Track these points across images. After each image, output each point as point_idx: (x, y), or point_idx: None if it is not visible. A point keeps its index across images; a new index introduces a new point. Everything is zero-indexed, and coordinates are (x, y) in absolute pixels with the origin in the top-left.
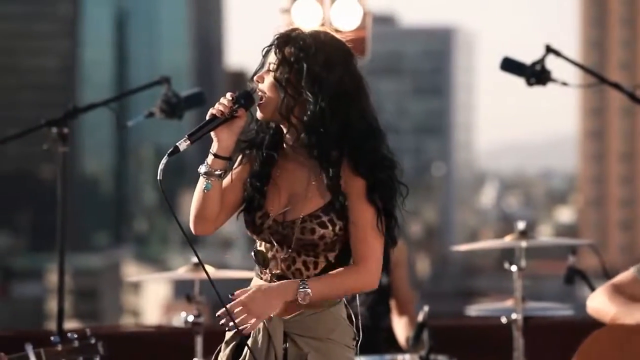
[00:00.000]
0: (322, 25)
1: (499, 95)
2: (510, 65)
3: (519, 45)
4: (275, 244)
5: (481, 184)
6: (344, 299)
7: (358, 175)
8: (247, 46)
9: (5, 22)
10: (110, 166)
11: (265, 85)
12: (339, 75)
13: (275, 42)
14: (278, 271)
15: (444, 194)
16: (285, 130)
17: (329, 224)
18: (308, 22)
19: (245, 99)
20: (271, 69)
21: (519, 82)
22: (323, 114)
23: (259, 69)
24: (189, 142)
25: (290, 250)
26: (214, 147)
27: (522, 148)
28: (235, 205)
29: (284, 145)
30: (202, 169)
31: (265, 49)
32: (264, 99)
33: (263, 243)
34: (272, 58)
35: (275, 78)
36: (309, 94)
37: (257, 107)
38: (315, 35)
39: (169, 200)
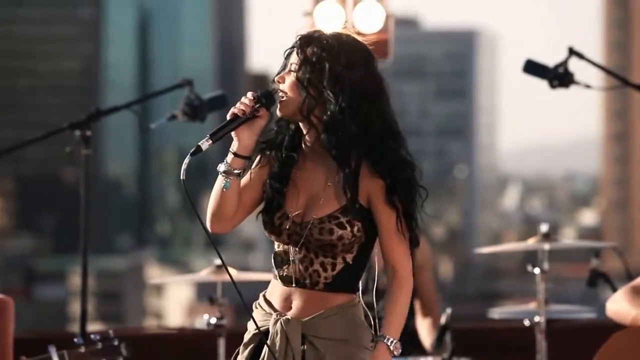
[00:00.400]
0: (345, 27)
1: (522, 97)
2: (533, 68)
3: (542, 47)
4: (294, 245)
5: (504, 187)
6: (361, 299)
7: (377, 176)
8: (269, 48)
9: (28, 24)
10: (133, 168)
11: (286, 85)
12: (360, 76)
13: (298, 43)
14: (296, 272)
15: (467, 196)
16: (305, 131)
17: (347, 225)
18: (330, 24)
19: (267, 98)
20: (293, 69)
21: (542, 84)
22: (343, 114)
23: (281, 69)
24: (210, 141)
25: (308, 251)
26: (234, 146)
27: (545, 150)
28: (253, 205)
29: (304, 145)
30: (222, 167)
31: (287, 50)
32: (284, 98)
33: (281, 245)
34: (294, 58)
35: (296, 78)
36: (330, 94)
37: (278, 107)
38: (336, 36)
39: (192, 199)
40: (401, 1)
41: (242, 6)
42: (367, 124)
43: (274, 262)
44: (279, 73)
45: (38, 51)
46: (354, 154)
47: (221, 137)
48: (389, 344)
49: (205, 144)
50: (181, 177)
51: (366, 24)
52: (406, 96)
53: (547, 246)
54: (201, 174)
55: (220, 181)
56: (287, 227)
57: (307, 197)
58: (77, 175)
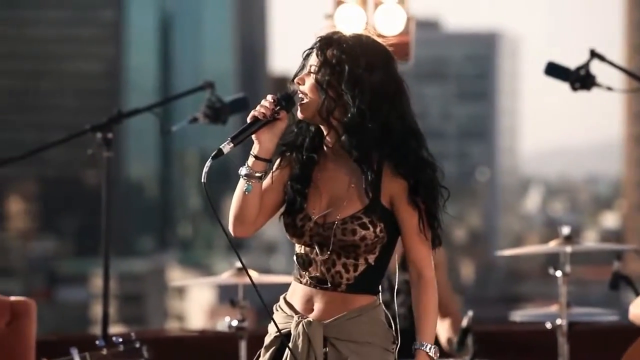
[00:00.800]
0: (366, 30)
1: (544, 99)
2: (554, 70)
3: (564, 49)
4: (316, 247)
5: (526, 189)
6: (381, 301)
7: (399, 176)
8: (291, 51)
9: (50, 27)
10: (154, 171)
11: (306, 87)
12: (380, 78)
13: (317, 45)
14: (318, 274)
15: (489, 199)
16: (325, 132)
17: (370, 226)
18: (351, 27)
19: (287, 101)
20: (312, 71)
21: (563, 86)
22: (364, 116)
23: (300, 71)
24: (232, 144)
25: (330, 252)
26: (254, 149)
27: (567, 153)
28: (274, 207)
29: (325, 147)
30: (243, 170)
31: (306, 52)
32: (305, 100)
33: (303, 246)
34: (314, 60)
35: (316, 80)
36: (350, 96)
37: (298, 108)
38: (356, 38)
39: (213, 203)
40: (422, 3)
41: (263, 9)
42: (387, 125)
43: (297, 263)
44: (297, 74)
45: (60, 53)
46: (376, 156)
47: (242, 140)
48: (428, 350)
49: (226, 147)
50: (202, 181)
51: (387, 26)
52: (427, 99)
53: (569, 249)
54: (223, 177)
55: (241, 185)
56: (310, 228)
57: (330, 198)
58: (99, 177)
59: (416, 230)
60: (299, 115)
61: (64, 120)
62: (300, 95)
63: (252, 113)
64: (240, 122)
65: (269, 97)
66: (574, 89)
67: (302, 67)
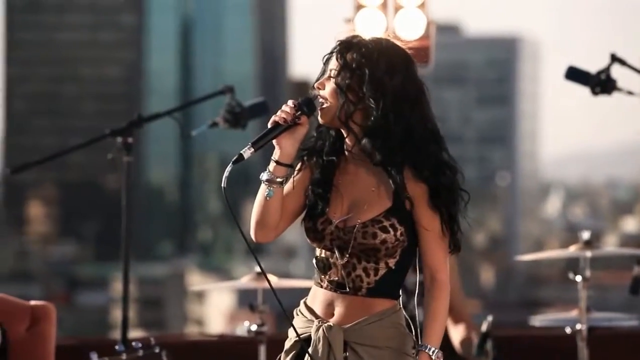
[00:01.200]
0: (386, 34)
1: (564, 104)
2: (575, 74)
3: (584, 53)
4: (336, 250)
5: (546, 194)
6: (401, 305)
7: (420, 180)
8: (311, 56)
9: (70, 31)
10: (174, 175)
11: (326, 91)
12: (401, 81)
13: (337, 49)
14: (338, 278)
15: (509, 203)
16: (345, 136)
17: (390, 229)
18: (372, 31)
19: (308, 106)
20: (332, 75)
21: (584, 91)
22: (385, 119)
23: (321, 76)
24: (252, 149)
25: (350, 256)
26: (276, 154)
27: (587, 157)
28: (296, 212)
29: (346, 151)
30: (264, 176)
31: (326, 56)
32: (325, 104)
33: (323, 250)
34: (334, 64)
35: (336, 84)
36: (371, 100)
37: (319, 113)
38: (376, 41)
39: (232, 208)
40: (442, 8)
41: (284, 13)
42: (409, 128)
43: (317, 267)
44: (318, 79)
45: (80, 58)
46: (397, 159)
47: (263, 145)
48: (431, 353)
49: (247, 152)
50: (222, 185)
51: (407, 30)
52: (447, 103)
53: (589, 253)
54: (243, 182)
55: (263, 190)
56: (330, 232)
57: (350, 201)
58: (119, 182)
59: (435, 233)
60: (320, 119)
61: (84, 125)
62: (321, 100)
63: (273, 118)
64: (260, 126)
65: (290, 102)
66: (595, 93)
67: (323, 72)
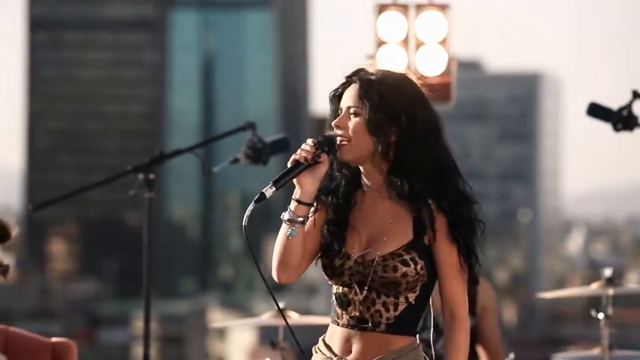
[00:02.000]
0: (407, 70)
1: (586, 140)
2: (596, 111)
3: (606, 90)
4: (355, 286)
5: (568, 231)
6: (419, 342)
7: (440, 212)
8: None
9: (93, 68)
10: (196, 212)
11: (350, 129)
12: (422, 114)
13: (359, 86)
14: (357, 313)
15: (531, 240)
16: (365, 172)
17: (411, 262)
18: (393, 67)
19: (327, 144)
20: (355, 111)
21: (606, 127)
22: (411, 153)
23: (336, 112)
24: (274, 188)
25: (370, 290)
26: (296, 194)
27: (609, 194)
28: (315, 252)
29: (363, 186)
30: (285, 216)
31: (338, 92)
32: (350, 141)
33: (341, 287)
34: (354, 101)
35: (367, 121)
36: (396, 134)
37: (339, 150)
38: (395, 76)
39: (252, 248)
40: (463, 44)
41: (305, 49)
42: (433, 160)
43: (336, 304)
44: (335, 116)
45: (103, 94)
46: (423, 191)
47: (284, 184)
48: None
49: (268, 191)
50: (243, 224)
51: (429, 67)
52: (469, 139)
53: (611, 291)
54: (264, 218)
55: (284, 229)
56: (349, 267)
57: (369, 235)
58: (141, 218)
59: (453, 267)
60: (341, 157)
61: (106, 161)
62: (341, 137)
63: (294, 157)
64: (282, 162)
65: (310, 141)
66: (617, 129)
67: (336, 109)
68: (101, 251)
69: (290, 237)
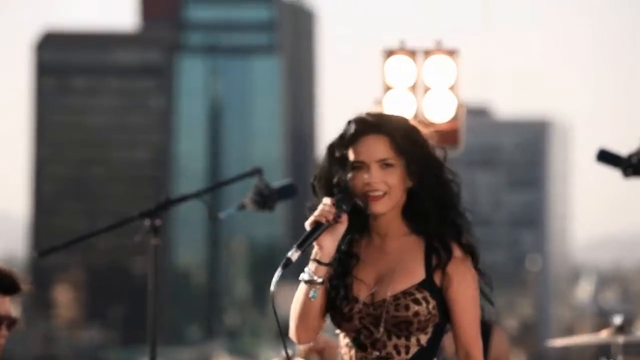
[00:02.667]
0: (415, 118)
1: (596, 187)
2: (606, 157)
3: (615, 136)
4: (367, 328)
5: (577, 278)
6: None
7: (455, 251)
8: None
9: (100, 113)
10: (202, 258)
11: (386, 181)
12: (439, 158)
13: (387, 137)
14: (367, 356)
15: (540, 287)
16: (378, 216)
17: (423, 301)
18: (401, 113)
19: (346, 202)
20: (390, 163)
21: (615, 173)
22: (426, 195)
23: (358, 163)
24: (299, 252)
25: (380, 333)
26: (316, 255)
27: (619, 242)
28: (326, 306)
29: (372, 230)
30: (305, 277)
31: (352, 138)
32: (386, 194)
33: (350, 333)
34: (386, 153)
35: (400, 172)
36: (419, 177)
37: (372, 204)
38: (412, 124)
39: (279, 320)
40: (472, 90)
41: (312, 94)
42: (447, 202)
43: (343, 351)
44: (355, 168)
45: (109, 140)
46: (438, 231)
47: (307, 246)
48: None
49: (294, 255)
50: (271, 290)
51: (437, 112)
52: (478, 186)
53: (621, 339)
54: (269, 262)
55: (304, 290)
56: (358, 310)
57: (377, 276)
58: (147, 265)
59: (466, 306)
60: (376, 211)
61: (113, 208)
62: (375, 191)
63: (313, 218)
64: (288, 208)
65: (328, 201)
66: (626, 175)
67: (359, 160)
68: (106, 298)
69: (312, 299)
